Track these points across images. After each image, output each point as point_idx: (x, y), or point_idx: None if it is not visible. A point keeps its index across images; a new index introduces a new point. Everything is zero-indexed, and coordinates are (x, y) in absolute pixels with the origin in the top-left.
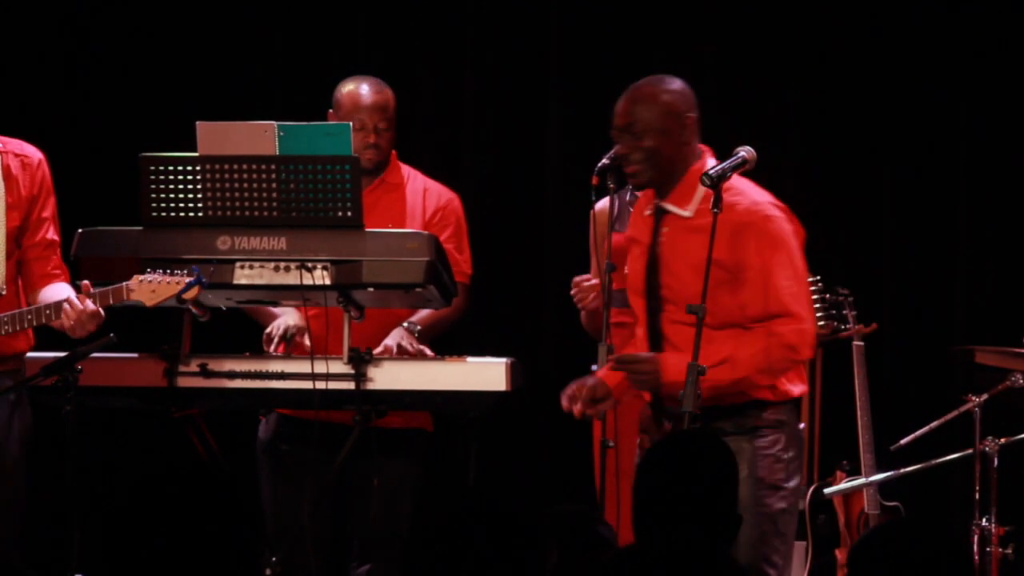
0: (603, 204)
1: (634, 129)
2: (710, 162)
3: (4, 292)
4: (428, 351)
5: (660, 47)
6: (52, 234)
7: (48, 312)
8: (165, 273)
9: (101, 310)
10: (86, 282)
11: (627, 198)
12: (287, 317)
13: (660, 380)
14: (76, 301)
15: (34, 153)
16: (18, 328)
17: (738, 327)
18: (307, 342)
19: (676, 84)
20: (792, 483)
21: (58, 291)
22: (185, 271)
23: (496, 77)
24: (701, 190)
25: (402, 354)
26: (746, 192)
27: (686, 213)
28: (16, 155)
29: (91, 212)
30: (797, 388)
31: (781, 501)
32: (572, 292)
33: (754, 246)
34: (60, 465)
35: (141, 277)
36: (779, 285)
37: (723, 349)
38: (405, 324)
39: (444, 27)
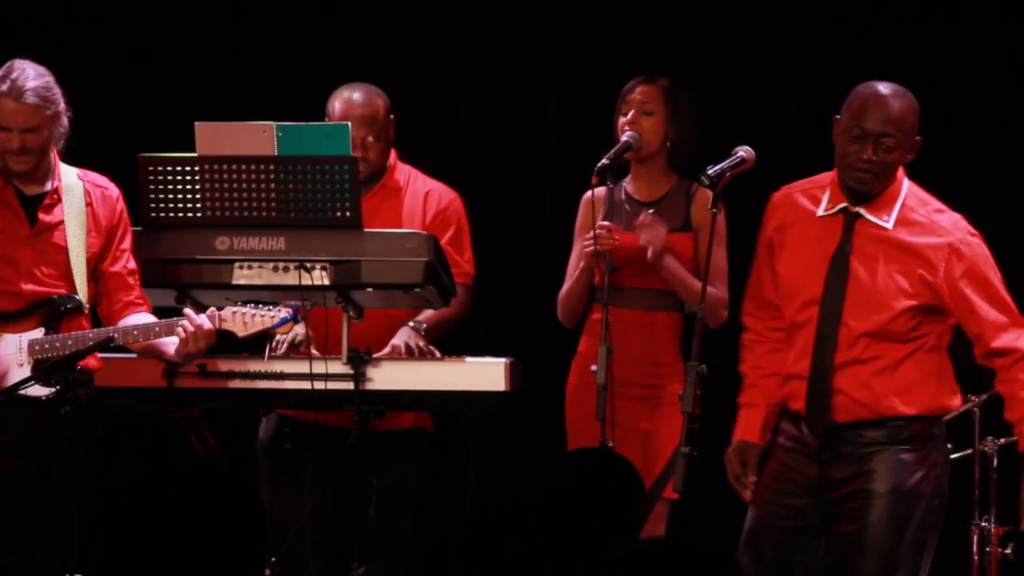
0: (600, 192)
1: (888, 142)
2: (904, 181)
3: (87, 310)
4: (436, 351)
5: (660, 46)
6: (132, 264)
7: (158, 329)
8: (259, 306)
9: (214, 329)
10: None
11: (622, 196)
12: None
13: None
14: (193, 316)
15: (113, 187)
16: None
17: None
18: (313, 352)
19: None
20: (937, 497)
21: (143, 320)
22: (280, 306)
23: (496, 77)
24: (899, 204)
25: (410, 354)
26: (944, 208)
27: (887, 224)
28: (97, 186)
29: None
30: (956, 400)
31: (929, 512)
32: (589, 245)
33: (964, 270)
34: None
35: (234, 309)
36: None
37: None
38: (411, 323)
39: (444, 26)
